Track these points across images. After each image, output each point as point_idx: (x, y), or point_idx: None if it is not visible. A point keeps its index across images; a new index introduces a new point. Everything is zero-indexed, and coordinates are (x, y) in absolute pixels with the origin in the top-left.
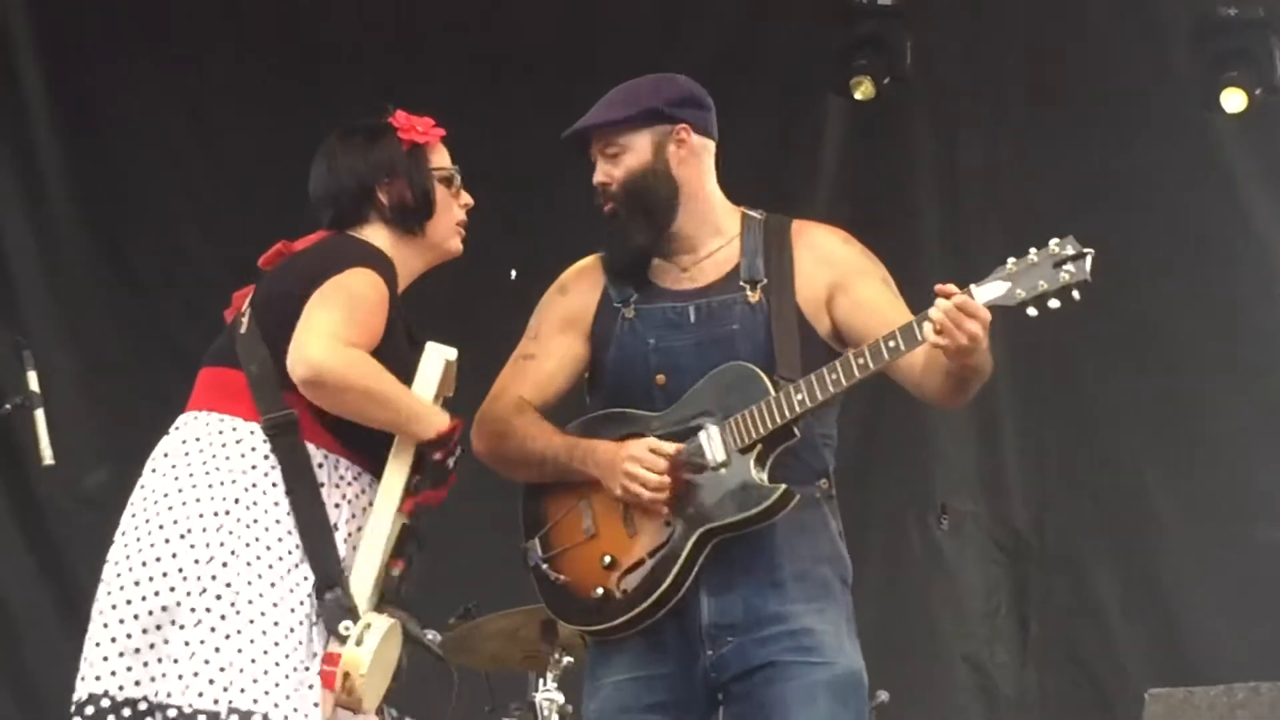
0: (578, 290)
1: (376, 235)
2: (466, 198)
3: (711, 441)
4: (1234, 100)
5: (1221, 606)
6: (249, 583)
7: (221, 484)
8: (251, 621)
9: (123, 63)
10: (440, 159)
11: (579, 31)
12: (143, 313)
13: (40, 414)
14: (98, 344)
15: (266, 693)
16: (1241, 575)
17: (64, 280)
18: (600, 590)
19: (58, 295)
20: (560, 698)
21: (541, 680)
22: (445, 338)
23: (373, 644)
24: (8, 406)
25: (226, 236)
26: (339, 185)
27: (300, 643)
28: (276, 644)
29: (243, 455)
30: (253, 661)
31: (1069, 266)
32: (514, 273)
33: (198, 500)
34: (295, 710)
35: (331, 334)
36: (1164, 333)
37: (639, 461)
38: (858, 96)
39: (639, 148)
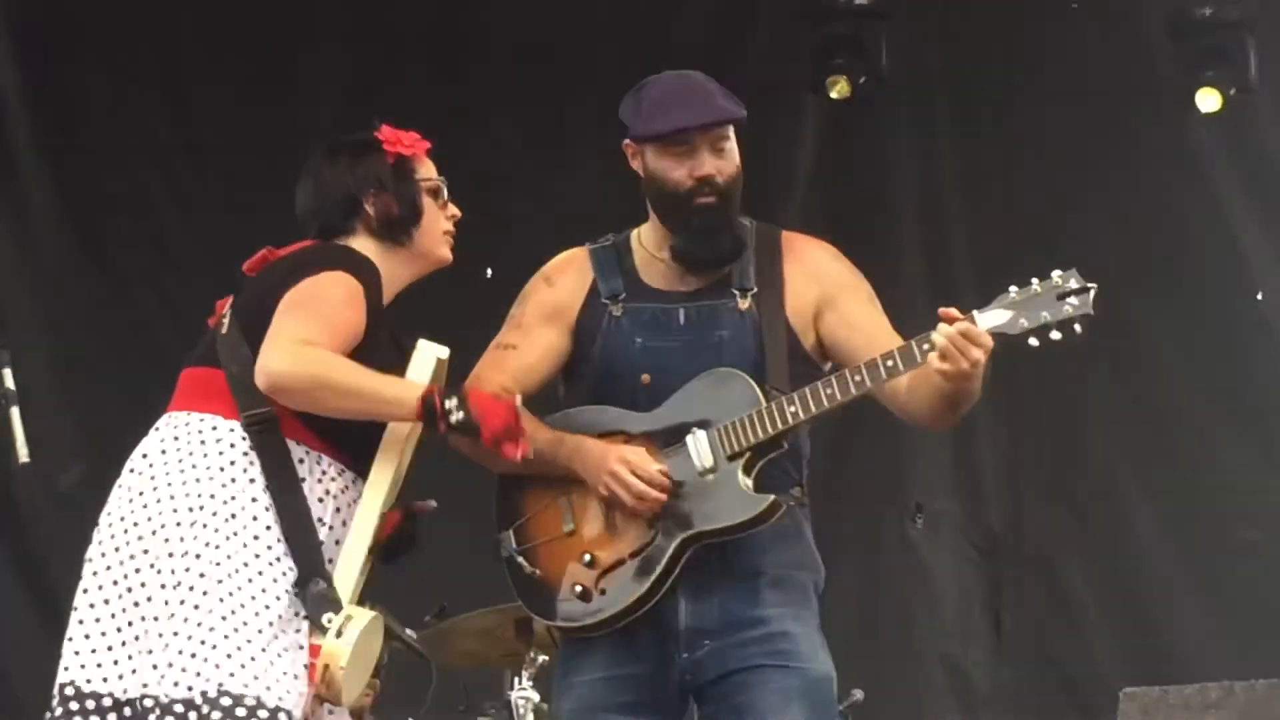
0: (563, 282)
1: (363, 246)
2: (453, 209)
3: (699, 447)
4: (1209, 100)
5: (1196, 606)
6: (229, 574)
7: (198, 480)
8: (233, 611)
9: (102, 58)
10: (426, 170)
11: (554, 30)
12: (121, 309)
13: (16, 411)
14: (75, 341)
15: (256, 677)
16: (1215, 575)
17: (41, 276)
18: (579, 587)
19: (35, 291)
20: (535, 696)
21: (517, 679)
22: (421, 336)
23: (352, 636)
24: None
25: (206, 233)
26: (325, 199)
27: (285, 631)
28: (260, 631)
29: (220, 452)
30: (239, 648)
31: (1073, 300)
32: (489, 271)
33: (172, 497)
34: (288, 693)
35: (291, 339)
36: (1139, 333)
37: (627, 465)
38: (834, 95)
39: (737, 148)
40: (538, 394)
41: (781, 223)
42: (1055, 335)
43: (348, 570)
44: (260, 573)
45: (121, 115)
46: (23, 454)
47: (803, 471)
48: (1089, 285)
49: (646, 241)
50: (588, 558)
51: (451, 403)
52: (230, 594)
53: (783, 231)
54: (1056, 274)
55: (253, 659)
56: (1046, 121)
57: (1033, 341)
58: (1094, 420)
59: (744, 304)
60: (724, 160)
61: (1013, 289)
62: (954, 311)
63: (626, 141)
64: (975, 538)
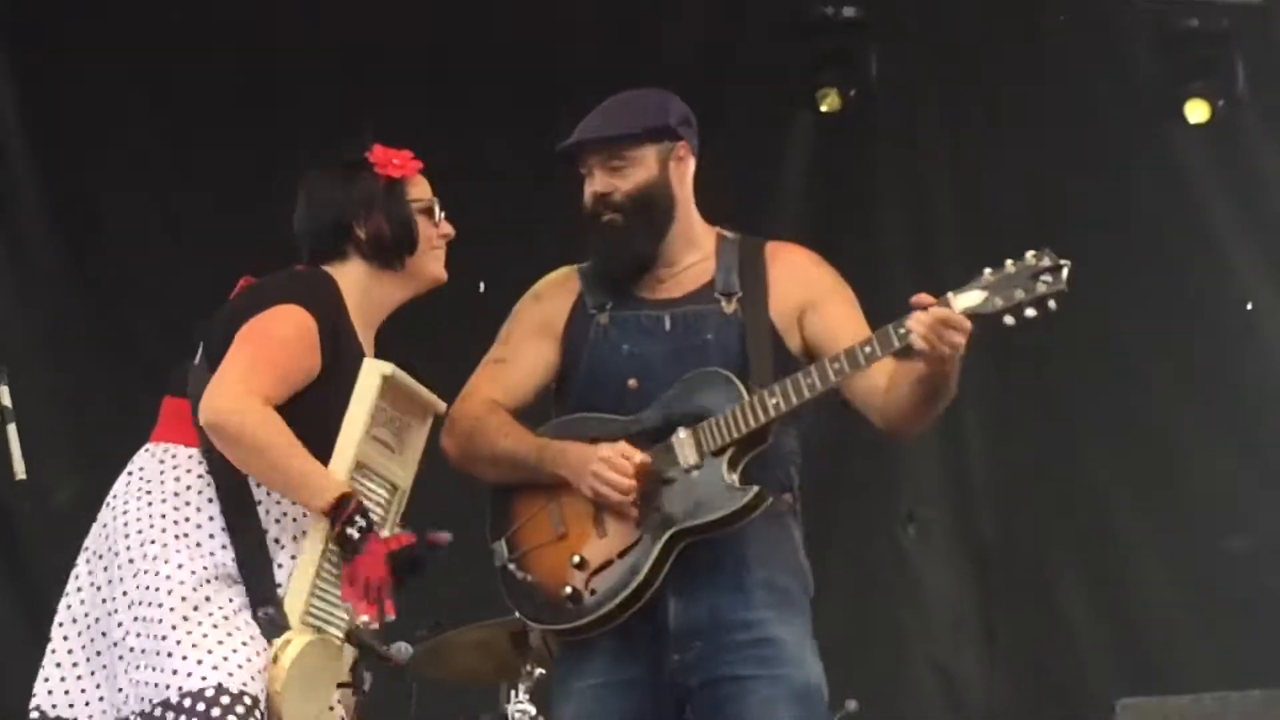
0: (551, 297)
1: (354, 269)
2: (446, 228)
3: (684, 444)
4: (1197, 111)
5: (1188, 615)
6: (183, 599)
7: (150, 505)
8: (185, 618)
9: (94, 77)
10: (419, 191)
11: (544, 45)
12: (113, 326)
13: (13, 428)
14: (68, 358)
15: (215, 667)
16: (1208, 584)
17: (34, 294)
18: (569, 589)
19: (28, 309)
20: (532, 709)
21: (513, 692)
22: (413, 351)
23: (286, 661)
24: None
25: (198, 250)
26: (316, 221)
27: (239, 629)
28: (208, 635)
29: (177, 479)
30: (194, 646)
31: (1046, 277)
32: (482, 285)
33: (129, 524)
34: (251, 680)
35: (238, 380)
36: (1127, 342)
37: (608, 463)
38: (824, 109)
39: (647, 161)
40: (530, 406)
41: (772, 235)
42: (1030, 313)
43: (297, 589)
44: (212, 595)
45: (113, 134)
46: (19, 470)
47: (793, 478)
48: (1062, 262)
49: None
50: (577, 560)
51: (356, 525)
52: (187, 607)
53: (768, 241)
54: (1030, 253)
55: (209, 652)
56: (1035, 134)
57: (1008, 320)
58: (1084, 429)
59: (729, 307)
60: (618, 177)
61: (987, 270)
62: (926, 297)
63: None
64: (967, 547)
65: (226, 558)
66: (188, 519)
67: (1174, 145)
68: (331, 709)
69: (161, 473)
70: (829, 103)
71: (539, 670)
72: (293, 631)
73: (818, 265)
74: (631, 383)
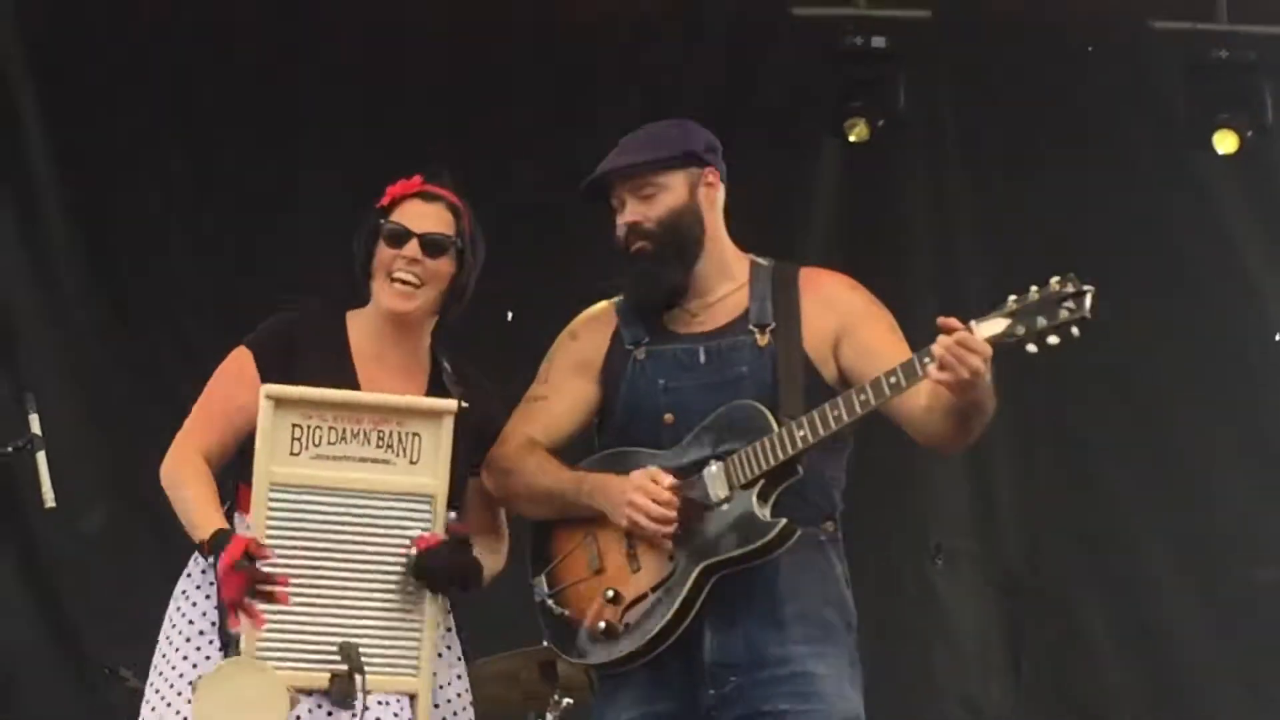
0: (588, 335)
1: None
2: (410, 250)
3: (714, 478)
4: (1226, 142)
5: (1215, 645)
6: (172, 665)
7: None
8: (157, 691)
9: (122, 105)
10: (399, 214)
11: (574, 74)
12: (140, 354)
13: (42, 457)
14: (96, 386)
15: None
16: (1234, 614)
17: (60, 318)
18: (603, 624)
19: (55, 337)
20: None
21: None
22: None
23: (198, 695)
24: (10, 450)
25: (224, 277)
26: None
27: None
28: (164, 695)
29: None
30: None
31: (1069, 304)
32: (510, 314)
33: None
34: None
35: (178, 437)
36: (1156, 372)
37: (642, 490)
38: (852, 139)
39: (676, 188)
40: (570, 444)
41: (800, 264)
42: (1053, 340)
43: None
44: (189, 654)
45: (138, 159)
46: (49, 499)
47: (835, 503)
48: (1085, 287)
49: None
50: (611, 594)
51: (209, 559)
52: (164, 682)
53: (801, 268)
54: (1054, 279)
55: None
56: (1063, 163)
57: (1030, 348)
58: (1110, 458)
59: (762, 339)
60: (647, 205)
61: (1011, 297)
62: (953, 321)
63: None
64: (994, 576)
65: (209, 607)
66: (189, 574)
67: (1202, 176)
68: None
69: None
70: (857, 133)
71: (566, 700)
72: (222, 662)
73: (851, 290)
74: (668, 417)
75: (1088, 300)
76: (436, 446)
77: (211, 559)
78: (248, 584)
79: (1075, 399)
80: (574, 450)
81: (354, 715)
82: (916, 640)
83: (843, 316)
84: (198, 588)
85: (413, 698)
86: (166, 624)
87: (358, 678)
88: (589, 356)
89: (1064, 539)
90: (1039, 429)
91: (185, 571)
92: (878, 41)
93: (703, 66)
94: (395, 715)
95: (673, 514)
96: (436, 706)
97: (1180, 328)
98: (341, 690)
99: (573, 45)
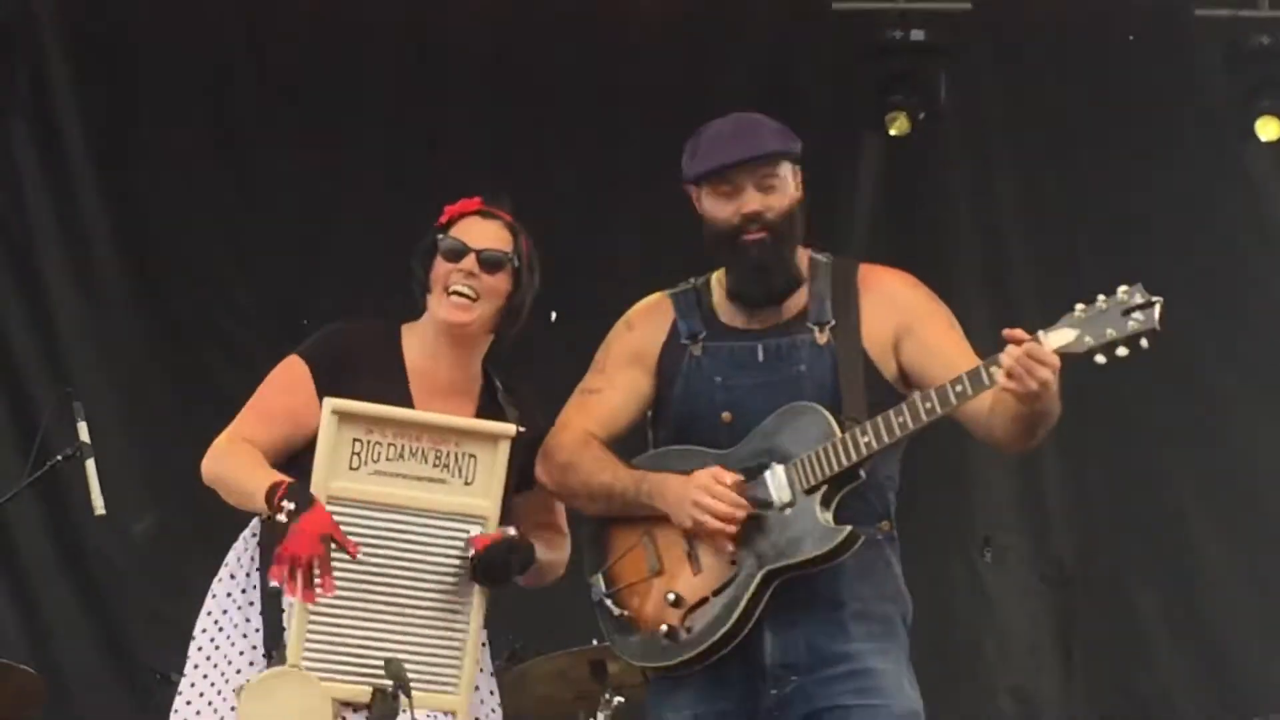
0: (644, 326)
1: (424, 318)
2: (467, 264)
3: (777, 481)
4: (1269, 129)
5: (1267, 635)
6: (208, 658)
7: (214, 580)
8: (199, 692)
9: (164, 112)
10: (458, 230)
11: (612, 73)
12: (185, 359)
13: (91, 464)
14: (139, 391)
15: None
16: None
17: (105, 328)
18: (665, 627)
19: (101, 344)
20: None
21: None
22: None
23: (242, 702)
24: (59, 458)
25: (267, 283)
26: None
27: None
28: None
29: (241, 542)
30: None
31: (1138, 315)
32: (553, 315)
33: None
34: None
35: (225, 433)
36: (1205, 361)
37: (707, 490)
38: (893, 132)
39: (791, 182)
40: (625, 436)
41: (859, 260)
42: (1122, 352)
43: (293, 631)
44: (224, 647)
45: (180, 165)
46: (98, 506)
47: (890, 504)
48: (1154, 299)
49: (723, 283)
50: (672, 597)
51: (288, 504)
52: (201, 674)
53: (860, 264)
54: (1122, 289)
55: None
56: (1105, 153)
57: (1099, 359)
58: (1160, 449)
59: (821, 337)
60: (772, 196)
61: (1078, 307)
62: (1020, 332)
63: (689, 186)
64: (1044, 569)
65: (253, 613)
66: (224, 579)
67: (1246, 163)
68: None
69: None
70: (898, 126)
71: (618, 698)
72: (267, 671)
73: (912, 288)
74: (725, 416)
75: (1156, 311)
76: (492, 468)
77: (291, 505)
78: (325, 549)
79: (1123, 388)
80: (627, 442)
81: None
82: (967, 635)
83: (903, 314)
84: (243, 591)
85: (453, 715)
86: (207, 620)
87: (402, 696)
88: (645, 348)
89: (1114, 530)
90: (1087, 419)
91: (224, 564)
92: (917, 35)
93: (744, 61)
94: None
95: (740, 514)
96: None
97: (1230, 314)
98: (384, 708)
99: (613, 45)
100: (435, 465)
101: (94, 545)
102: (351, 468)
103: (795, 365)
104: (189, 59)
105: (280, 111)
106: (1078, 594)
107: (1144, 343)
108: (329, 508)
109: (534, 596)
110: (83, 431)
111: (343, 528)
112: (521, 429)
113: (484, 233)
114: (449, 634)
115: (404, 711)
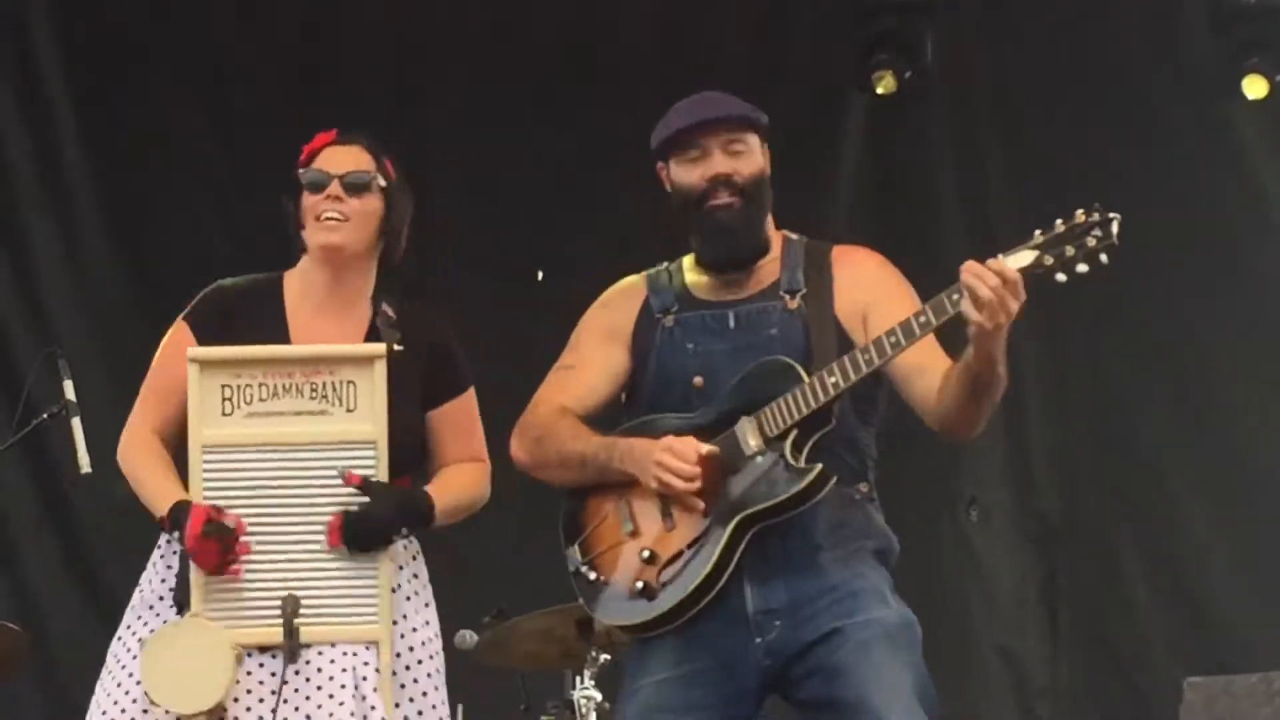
0: (618, 304)
1: (302, 261)
2: (333, 189)
3: (746, 431)
4: (1255, 87)
5: (1252, 592)
6: (130, 628)
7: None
8: (115, 657)
9: (150, 78)
10: (319, 162)
11: (594, 33)
12: (171, 320)
13: (77, 422)
14: (127, 353)
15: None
16: (1274, 561)
17: (93, 290)
18: (640, 584)
19: (87, 305)
20: (598, 695)
21: (579, 678)
22: (471, 339)
23: (145, 655)
24: (45, 416)
25: (252, 246)
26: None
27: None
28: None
29: None
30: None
31: (1096, 231)
32: (540, 274)
33: None
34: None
35: (131, 416)
36: (1187, 322)
37: (669, 450)
38: (879, 91)
39: (758, 151)
40: (601, 412)
41: (828, 219)
42: (1082, 268)
43: (194, 587)
44: (142, 614)
45: (171, 141)
46: (84, 464)
47: (868, 469)
48: (1111, 215)
49: (695, 264)
50: (647, 554)
51: (175, 534)
52: (120, 640)
53: (834, 245)
54: (1079, 211)
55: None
56: (1091, 114)
57: (1060, 277)
58: (1145, 408)
59: (793, 303)
60: (740, 161)
61: (1037, 232)
62: (975, 262)
63: (659, 165)
64: (1029, 528)
65: (172, 577)
66: (159, 547)
67: (1232, 121)
68: (238, 682)
69: None
70: (884, 85)
71: (604, 656)
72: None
73: (882, 267)
74: (697, 380)
75: (1114, 226)
76: (372, 391)
77: (176, 534)
78: (221, 548)
79: (1107, 349)
80: (605, 421)
81: (296, 670)
82: (953, 593)
83: (872, 291)
84: (161, 557)
85: (376, 645)
86: (145, 572)
87: (299, 628)
88: (620, 324)
89: (1099, 489)
90: (1071, 378)
91: (156, 545)
92: None
93: (731, 20)
94: (366, 664)
95: (699, 470)
96: (412, 649)
97: (1213, 274)
98: (293, 644)
99: (601, 5)
100: (313, 397)
101: (80, 503)
102: (224, 414)
103: (767, 329)
104: (181, 30)
105: (269, 80)
106: (1063, 551)
107: (1104, 258)
108: (205, 459)
109: (520, 555)
110: (68, 390)
111: (224, 475)
112: (397, 346)
113: (344, 158)
114: (358, 565)
115: (307, 647)
